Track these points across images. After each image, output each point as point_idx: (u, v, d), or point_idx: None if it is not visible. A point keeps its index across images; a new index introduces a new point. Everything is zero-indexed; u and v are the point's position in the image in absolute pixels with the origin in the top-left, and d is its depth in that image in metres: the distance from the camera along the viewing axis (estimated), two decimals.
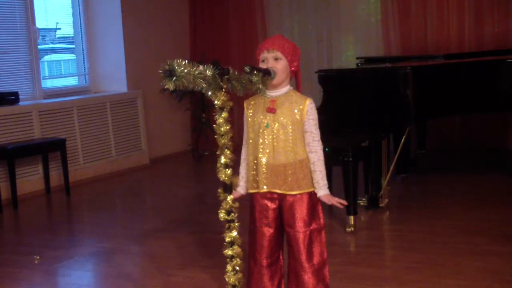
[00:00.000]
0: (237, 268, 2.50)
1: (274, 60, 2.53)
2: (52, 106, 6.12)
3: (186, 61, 2.22)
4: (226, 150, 2.41)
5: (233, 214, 2.47)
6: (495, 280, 3.23)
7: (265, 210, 2.60)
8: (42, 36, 6.76)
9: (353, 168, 4.16)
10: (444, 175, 5.84)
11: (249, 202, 2.67)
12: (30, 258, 3.96)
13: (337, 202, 2.58)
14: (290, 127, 2.53)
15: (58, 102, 6.24)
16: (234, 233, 2.47)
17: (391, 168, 4.87)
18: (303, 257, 2.58)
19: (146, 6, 7.29)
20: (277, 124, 2.52)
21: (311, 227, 2.58)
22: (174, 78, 2.19)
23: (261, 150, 2.54)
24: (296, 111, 2.53)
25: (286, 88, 2.58)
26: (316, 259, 2.59)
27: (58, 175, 5.98)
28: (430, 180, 5.67)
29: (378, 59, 6.28)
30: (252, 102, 2.61)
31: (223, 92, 2.35)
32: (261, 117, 2.54)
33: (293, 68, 2.57)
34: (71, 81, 7.07)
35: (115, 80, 7.04)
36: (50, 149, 5.85)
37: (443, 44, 6.83)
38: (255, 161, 2.56)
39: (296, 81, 2.67)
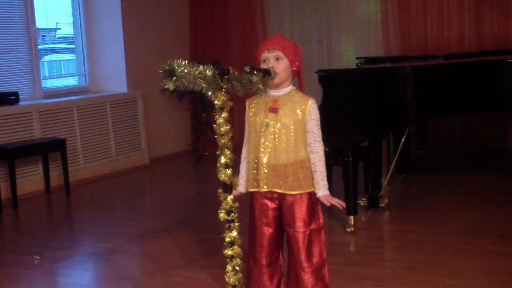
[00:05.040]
0: (237, 268, 2.50)
1: (275, 60, 2.52)
2: (52, 106, 6.12)
3: (186, 61, 2.22)
4: (226, 150, 2.41)
5: (233, 214, 2.47)
6: (495, 280, 3.23)
7: (265, 210, 2.60)
8: (42, 36, 6.76)
9: (353, 168, 4.16)
10: (444, 175, 5.84)
11: (249, 202, 2.67)
12: (30, 258, 3.96)
13: (336, 202, 2.57)
14: (292, 127, 2.52)
15: (58, 102, 6.24)
16: (234, 233, 2.47)
17: (391, 168, 4.86)
18: (303, 257, 2.58)
19: (146, 6, 7.29)
20: (279, 124, 2.52)
21: (310, 227, 2.58)
22: (174, 78, 2.19)
23: (262, 149, 2.54)
24: (298, 111, 2.53)
25: (288, 88, 2.57)
26: (315, 259, 2.59)
27: (58, 175, 5.98)
28: (430, 180, 5.67)
29: (378, 59, 6.27)
30: (254, 101, 2.61)
31: (223, 92, 2.35)
32: (263, 116, 2.54)
33: (294, 68, 2.57)
34: (71, 81, 7.07)
35: (115, 80, 7.04)
36: (50, 149, 5.85)
37: (443, 44, 6.83)
38: (256, 160, 2.56)
39: (299, 81, 2.67)
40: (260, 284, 2.65)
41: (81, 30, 7.01)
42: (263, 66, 2.52)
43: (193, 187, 6.36)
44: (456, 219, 4.39)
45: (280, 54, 2.52)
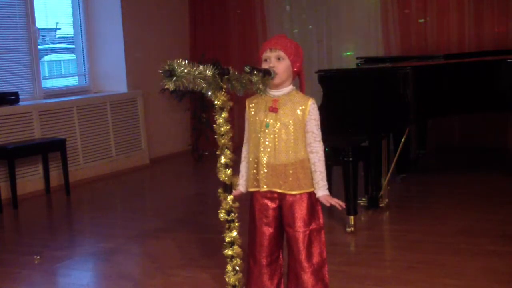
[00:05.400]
0: (237, 268, 2.50)
1: (276, 59, 2.52)
2: (52, 106, 6.12)
3: (186, 61, 2.22)
4: (226, 150, 2.41)
5: (233, 214, 2.47)
6: (495, 280, 3.23)
7: (265, 210, 2.60)
8: (42, 36, 6.76)
9: (353, 168, 4.16)
10: (444, 175, 5.83)
11: (249, 202, 2.67)
12: (30, 258, 3.96)
13: (336, 202, 2.57)
14: (291, 127, 2.52)
15: (58, 102, 6.24)
16: (234, 233, 2.47)
17: (391, 168, 4.87)
18: (303, 256, 2.58)
19: (146, 6, 7.29)
20: (278, 123, 2.52)
21: (310, 227, 2.58)
22: (174, 78, 2.19)
23: (262, 149, 2.54)
24: (298, 111, 2.53)
25: (288, 88, 2.57)
26: (315, 259, 2.59)
27: (58, 175, 5.98)
28: (430, 180, 5.67)
29: (378, 59, 6.27)
30: (254, 101, 2.61)
31: (223, 92, 2.35)
32: (263, 116, 2.54)
33: (295, 69, 2.57)
34: (71, 81, 7.07)
35: (115, 80, 7.04)
36: (50, 149, 5.85)
37: (443, 44, 6.83)
38: (256, 160, 2.56)
39: (300, 81, 2.66)
40: (260, 284, 2.65)
41: (81, 30, 7.01)
42: (265, 65, 2.52)
43: (193, 187, 6.36)
44: (456, 219, 4.39)
45: (281, 54, 2.52)
